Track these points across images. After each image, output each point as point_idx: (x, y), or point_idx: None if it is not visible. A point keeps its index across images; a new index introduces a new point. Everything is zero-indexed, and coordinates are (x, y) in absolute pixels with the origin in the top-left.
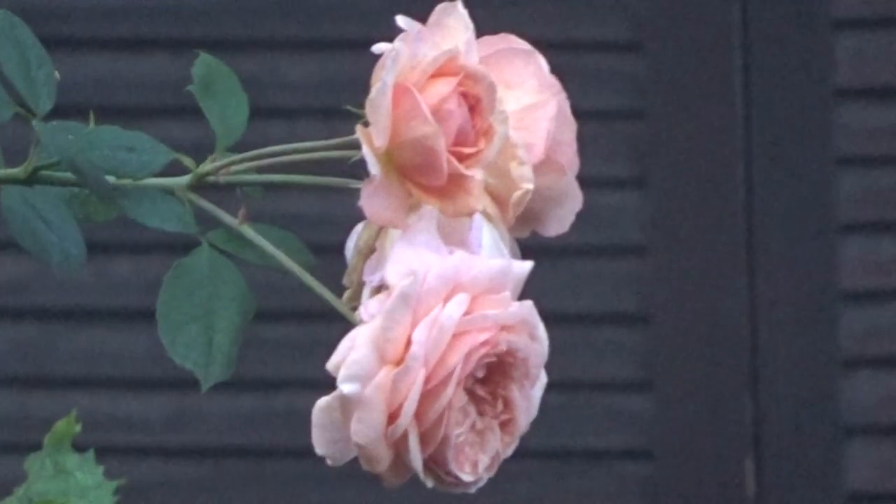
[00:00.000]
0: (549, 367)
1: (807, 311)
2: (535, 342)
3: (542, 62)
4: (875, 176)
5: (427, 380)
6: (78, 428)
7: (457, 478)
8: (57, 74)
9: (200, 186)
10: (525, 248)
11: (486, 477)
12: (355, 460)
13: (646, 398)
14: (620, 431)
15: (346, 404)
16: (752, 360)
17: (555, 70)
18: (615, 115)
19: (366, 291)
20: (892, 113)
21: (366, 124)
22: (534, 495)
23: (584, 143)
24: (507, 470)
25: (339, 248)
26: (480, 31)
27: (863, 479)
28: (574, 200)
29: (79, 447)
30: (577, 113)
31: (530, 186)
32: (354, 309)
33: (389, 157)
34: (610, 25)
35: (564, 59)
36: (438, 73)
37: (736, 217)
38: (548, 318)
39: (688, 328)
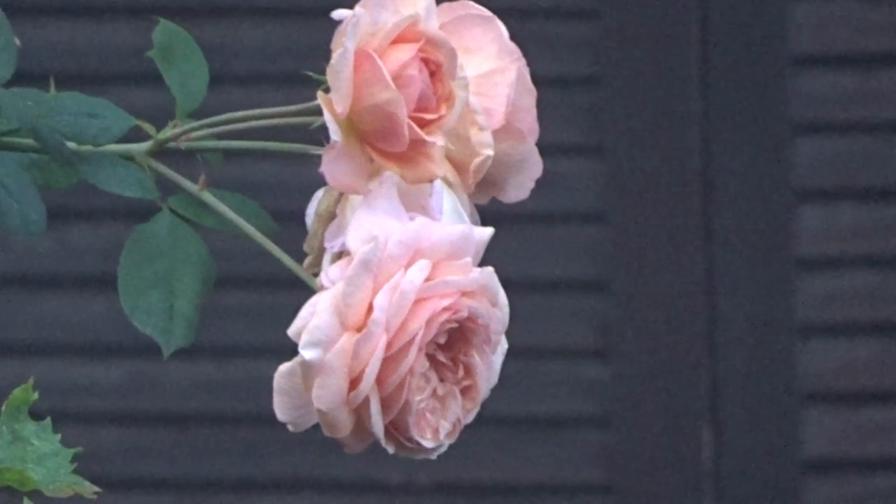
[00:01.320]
0: (507, 334)
1: (764, 279)
2: (496, 308)
3: (501, 28)
4: (832, 143)
5: (388, 345)
6: (35, 395)
7: (418, 444)
8: (17, 41)
9: (161, 152)
10: (484, 214)
11: (447, 443)
12: (316, 426)
13: (603, 365)
14: (579, 398)
15: (308, 370)
16: (710, 327)
17: (514, 37)
18: (572, 82)
19: (327, 257)
20: (848, 80)
21: (327, 90)
22: (493, 461)
23: (542, 110)
24: (467, 437)
25: (300, 215)
26: None
27: (819, 446)
28: (534, 167)
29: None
30: (536, 80)
31: (490, 153)
32: (315, 275)
33: (350, 124)
34: None
35: (523, 26)
36: (399, 40)
37: (693, 184)
38: (507, 284)
39: (645, 295)
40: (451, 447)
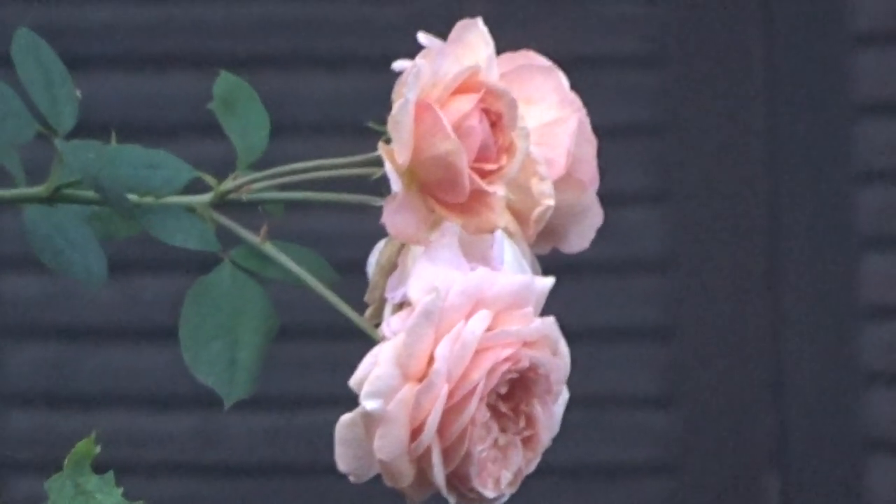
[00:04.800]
0: (571, 383)
1: (829, 326)
2: (557, 358)
3: (562, 78)
4: None
5: (450, 396)
6: (97, 449)
7: (479, 494)
8: (78, 93)
9: (222, 204)
10: (546, 265)
11: (508, 493)
12: (378, 477)
13: (669, 413)
14: (644, 446)
15: (370, 420)
16: (776, 374)
17: (575, 85)
18: (637, 130)
19: (388, 308)
20: None
21: (388, 141)
22: None
23: (608, 159)
24: (530, 486)
25: (362, 266)
26: (500, 48)
27: (886, 495)
28: (594, 216)
29: (104, 465)
30: (600, 128)
31: (551, 203)
32: (377, 326)
33: (411, 174)
34: (630, 39)
35: (585, 75)
36: (460, 90)
37: (759, 231)
38: (570, 333)
39: (711, 343)
40: (513, 497)
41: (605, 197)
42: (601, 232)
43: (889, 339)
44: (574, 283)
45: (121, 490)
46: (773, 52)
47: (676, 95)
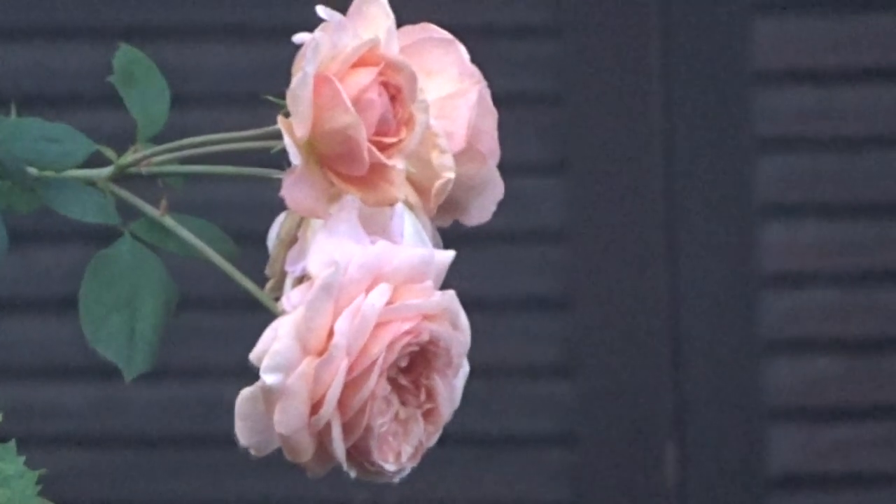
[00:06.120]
0: (471, 354)
1: (728, 295)
2: (458, 331)
3: (462, 51)
4: (795, 159)
5: (350, 369)
6: (0, 418)
7: (380, 468)
8: None
9: (122, 177)
10: (444, 235)
11: (409, 466)
12: (279, 450)
13: (568, 383)
14: (543, 417)
15: (269, 395)
16: (674, 344)
17: (474, 56)
18: (533, 100)
19: (288, 281)
20: (811, 95)
21: (287, 114)
22: (457, 483)
23: (503, 129)
24: (431, 458)
25: (262, 238)
26: (401, 20)
27: (785, 463)
28: (495, 189)
29: (3, 436)
30: (497, 98)
31: (452, 175)
32: (277, 299)
33: (311, 147)
34: (529, 10)
35: (484, 45)
36: (359, 63)
37: (656, 201)
38: (469, 303)
39: (610, 313)
40: (414, 469)
41: (503, 167)
42: (500, 202)
43: (788, 307)
44: (473, 252)
45: (23, 459)
46: (670, 21)
47: (574, 65)
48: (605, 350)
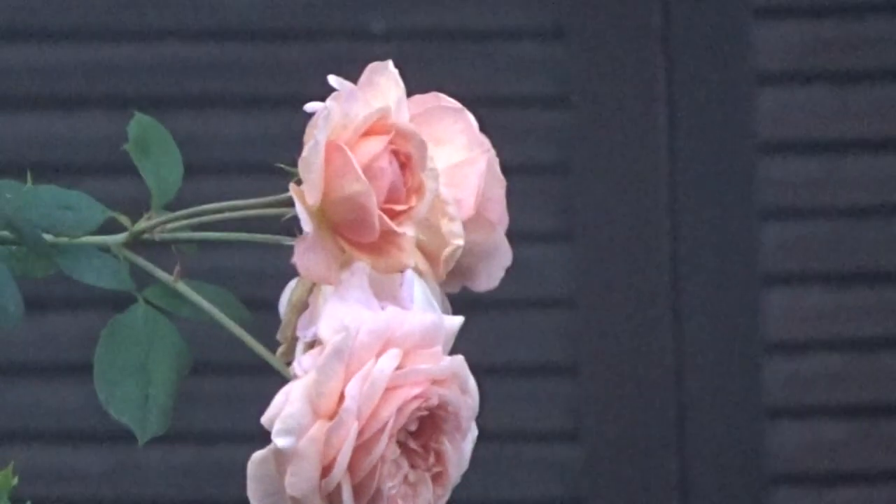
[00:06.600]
0: (479, 418)
1: (731, 362)
2: (466, 395)
3: (471, 119)
4: (798, 227)
5: (360, 433)
6: (15, 481)
7: None
8: None
9: (136, 244)
10: (453, 301)
11: None
12: None
13: (574, 448)
14: (549, 481)
15: (281, 458)
16: (678, 409)
17: (483, 125)
18: (541, 169)
19: (299, 346)
20: (814, 166)
21: (299, 182)
22: None
23: (512, 198)
24: None
25: (274, 304)
26: (411, 90)
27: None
28: (503, 256)
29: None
30: (505, 167)
31: (461, 242)
32: (288, 364)
33: (322, 215)
34: (538, 79)
35: (492, 115)
36: (370, 132)
37: (661, 269)
38: (477, 369)
39: (615, 378)
40: None
41: (511, 235)
42: (509, 269)
43: (790, 374)
44: (481, 318)
45: None
46: (675, 90)
47: (582, 136)
48: (611, 415)
